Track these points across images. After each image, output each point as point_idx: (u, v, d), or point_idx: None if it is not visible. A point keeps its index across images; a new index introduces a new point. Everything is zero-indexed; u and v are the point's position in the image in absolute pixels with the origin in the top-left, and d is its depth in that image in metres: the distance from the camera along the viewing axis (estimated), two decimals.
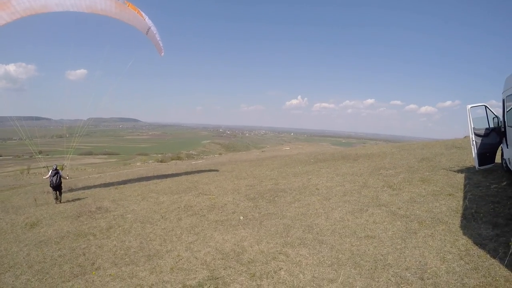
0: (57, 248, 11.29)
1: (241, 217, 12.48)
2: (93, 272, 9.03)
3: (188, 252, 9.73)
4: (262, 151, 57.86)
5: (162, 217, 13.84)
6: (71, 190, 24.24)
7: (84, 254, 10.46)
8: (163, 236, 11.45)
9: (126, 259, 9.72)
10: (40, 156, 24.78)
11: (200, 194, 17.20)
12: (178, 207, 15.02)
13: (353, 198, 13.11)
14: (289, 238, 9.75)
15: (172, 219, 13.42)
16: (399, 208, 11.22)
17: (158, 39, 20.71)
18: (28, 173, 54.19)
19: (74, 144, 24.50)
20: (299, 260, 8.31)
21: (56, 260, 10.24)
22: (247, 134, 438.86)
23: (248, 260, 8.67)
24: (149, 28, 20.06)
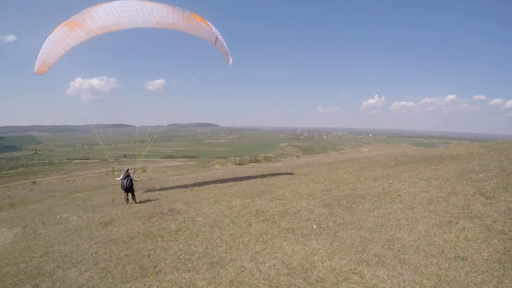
0: (125, 248, 11.59)
1: (314, 226, 11.45)
2: (152, 276, 9.00)
3: (252, 262, 9.09)
4: (340, 153, 56.19)
5: (232, 221, 13.32)
6: (149, 191, 24.86)
7: (148, 256, 10.55)
8: (230, 242, 10.93)
9: (188, 265, 9.51)
10: (113, 159, 25.99)
11: (274, 199, 16.41)
12: (250, 212, 14.38)
13: (440, 208, 11.34)
14: (365, 254, 8.56)
15: (242, 224, 12.83)
16: (495, 222, 9.44)
17: (226, 47, 20.61)
18: (113, 174, 57.05)
19: (146, 149, 25.31)
20: (375, 284, 7.18)
21: (121, 259, 10.52)
22: (324, 136, 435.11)
23: (316, 279, 7.71)
24: (217, 37, 20.05)
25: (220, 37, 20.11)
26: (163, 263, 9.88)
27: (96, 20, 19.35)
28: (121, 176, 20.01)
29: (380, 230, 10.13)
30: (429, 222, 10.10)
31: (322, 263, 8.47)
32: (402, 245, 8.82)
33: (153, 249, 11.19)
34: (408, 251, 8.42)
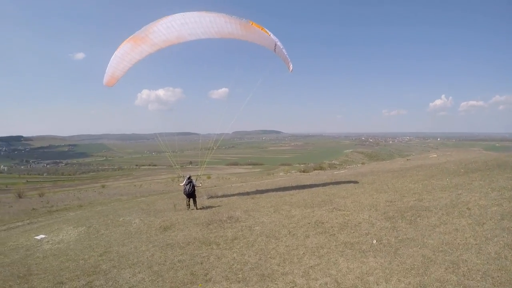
0: (180, 253, 11.80)
1: (374, 241, 10.79)
2: (200, 284, 9.05)
3: (303, 279, 8.75)
4: (407, 160, 54.04)
5: (289, 232, 13.00)
6: (211, 197, 25.14)
7: (201, 263, 10.64)
8: (284, 255, 10.65)
9: (239, 275, 9.47)
10: (178, 166, 26.73)
11: (334, 209, 15.80)
12: (308, 223, 13.96)
13: None
14: (426, 278, 7.82)
15: (299, 235, 12.46)
16: None
17: (285, 54, 20.36)
18: (178, 180, 58.63)
19: (209, 156, 25.70)
20: None
21: (175, 264, 10.74)
22: (390, 142, 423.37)
23: None
24: (276, 44, 19.87)
25: (279, 43, 19.97)
26: (214, 271, 9.90)
27: (158, 35, 20.36)
28: (184, 182, 20.48)
29: (445, 249, 9.25)
30: (501, 242, 9.05)
31: (377, 285, 7.92)
32: (468, 269, 7.96)
33: (207, 256, 11.26)
34: (475, 277, 7.56)
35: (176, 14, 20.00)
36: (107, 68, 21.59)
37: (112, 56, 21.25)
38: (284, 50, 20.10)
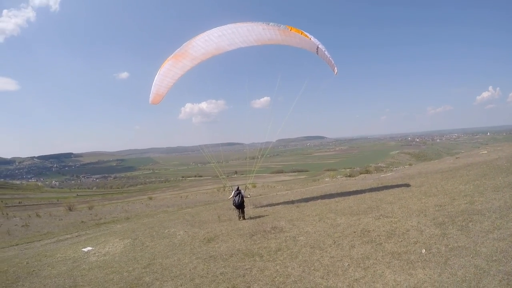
0: (222, 265, 11.79)
1: (423, 251, 10.27)
2: None
3: None
4: (456, 158, 52.04)
5: (334, 242, 12.67)
6: (256, 207, 25.10)
7: (243, 276, 10.58)
8: (329, 266, 10.38)
9: None
10: (224, 176, 26.95)
11: (381, 216, 15.29)
12: (354, 232, 13.57)
13: None
14: None
15: (344, 245, 12.12)
16: None
17: (328, 56, 19.80)
18: (224, 190, 59.05)
19: (257, 165, 25.78)
20: None
21: (217, 277, 10.71)
22: (437, 140, 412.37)
23: None
24: (317, 47, 19.52)
25: (321, 46, 19.57)
26: (256, 284, 9.83)
27: (197, 49, 21.10)
28: (233, 193, 20.56)
29: (500, 258, 8.61)
30: None
31: None
32: None
33: (249, 268, 11.19)
34: None
35: (212, 29, 20.51)
36: (152, 86, 22.43)
37: (156, 75, 22.20)
38: (327, 53, 19.59)
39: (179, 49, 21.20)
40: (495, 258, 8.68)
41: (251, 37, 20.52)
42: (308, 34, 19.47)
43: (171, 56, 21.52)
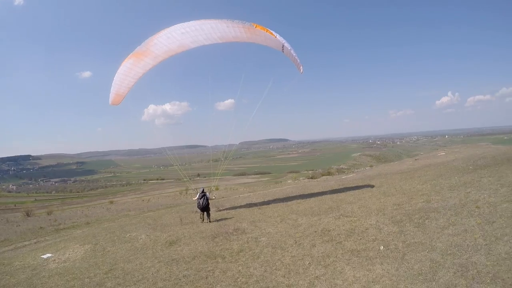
0: (185, 268, 11.68)
1: (381, 247, 10.56)
2: None
3: None
4: (415, 160, 53.45)
5: (296, 242, 12.80)
6: (218, 209, 24.96)
7: (206, 278, 10.54)
8: (290, 265, 10.48)
9: None
10: (188, 179, 26.65)
11: (341, 216, 15.56)
12: (315, 231, 13.75)
13: None
14: (434, 283, 7.60)
15: (305, 245, 12.26)
16: None
17: (294, 55, 19.70)
18: (186, 193, 58.63)
19: (222, 168, 25.52)
20: None
21: (180, 280, 10.63)
22: (398, 143, 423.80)
23: None
24: (283, 45, 19.34)
25: (286, 44, 19.44)
26: (219, 285, 9.82)
27: (159, 46, 20.38)
28: (197, 196, 20.20)
29: (454, 252, 9.01)
30: (511, 241, 8.83)
31: None
32: (477, 271, 7.72)
33: (212, 270, 11.15)
34: (484, 280, 7.33)
35: (175, 25, 19.88)
36: (112, 87, 21.52)
37: (115, 75, 21.30)
38: (292, 51, 19.56)
39: (140, 46, 20.52)
40: (449, 252, 9.05)
41: (215, 35, 20.11)
42: (273, 32, 19.29)
43: (131, 54, 20.82)
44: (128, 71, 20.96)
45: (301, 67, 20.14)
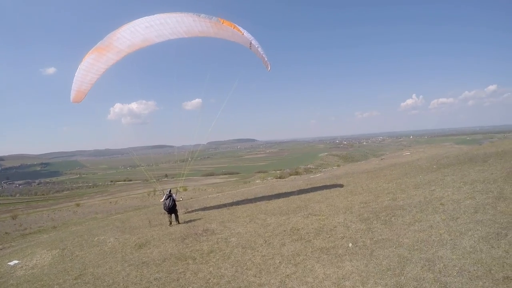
0: (156, 271, 11.57)
1: (350, 244, 10.74)
2: None
3: None
4: (381, 159, 54.71)
5: (266, 241, 12.85)
6: (187, 211, 24.83)
7: (178, 280, 10.46)
8: (261, 265, 10.50)
9: None
10: (154, 180, 26.32)
11: (310, 215, 15.76)
12: (284, 230, 13.86)
13: (486, 217, 10.29)
14: (403, 278, 7.76)
15: (275, 244, 12.33)
16: None
17: (262, 53, 19.33)
18: (154, 194, 58.00)
19: (187, 168, 24.92)
20: None
21: (151, 283, 10.51)
22: (364, 143, 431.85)
23: None
24: (251, 42, 18.96)
25: (254, 41, 19.01)
26: (191, 287, 9.77)
27: (123, 41, 19.70)
28: (164, 197, 19.76)
29: (421, 247, 9.25)
30: (475, 235, 9.14)
31: None
32: (444, 265, 7.95)
33: (183, 272, 11.08)
34: (451, 273, 7.55)
35: (139, 19, 19.32)
36: (73, 84, 20.59)
37: (76, 71, 20.35)
38: (260, 49, 19.20)
39: (101, 41, 19.77)
40: (416, 247, 9.29)
41: (181, 29, 19.63)
42: (241, 29, 18.85)
43: (93, 49, 20.02)
44: (90, 66, 20.11)
45: (268, 65, 19.81)
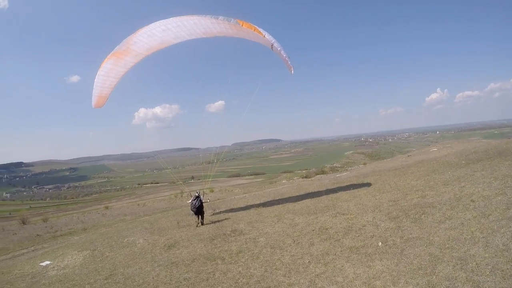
0: (185, 271, 11.69)
1: (380, 243, 10.65)
2: None
3: None
4: (408, 156, 53.73)
5: (294, 241, 12.85)
6: (214, 212, 24.99)
7: (207, 280, 10.55)
8: (290, 264, 10.52)
9: None
10: (181, 182, 26.44)
11: (338, 214, 15.65)
12: (313, 230, 13.81)
13: None
14: (434, 277, 7.66)
15: (304, 244, 12.32)
16: None
17: (284, 55, 18.87)
18: (181, 196, 58.37)
19: (214, 169, 24.95)
20: None
21: (180, 283, 10.63)
22: (390, 140, 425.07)
23: None
24: (272, 44, 18.52)
25: (276, 44, 18.43)
26: (220, 287, 9.85)
27: (140, 44, 20.01)
28: (191, 198, 20.00)
29: (452, 245, 9.09)
30: (508, 232, 8.90)
31: None
32: (476, 264, 7.81)
33: (212, 272, 11.17)
34: (484, 272, 7.41)
35: (153, 23, 19.45)
36: (93, 90, 20.77)
37: (96, 77, 20.80)
38: (283, 52, 18.58)
39: (119, 46, 20.00)
40: (448, 245, 9.13)
41: (199, 30, 19.68)
42: (261, 31, 18.32)
43: (110, 54, 20.27)
44: (109, 71, 20.38)
45: (292, 68, 19.32)
